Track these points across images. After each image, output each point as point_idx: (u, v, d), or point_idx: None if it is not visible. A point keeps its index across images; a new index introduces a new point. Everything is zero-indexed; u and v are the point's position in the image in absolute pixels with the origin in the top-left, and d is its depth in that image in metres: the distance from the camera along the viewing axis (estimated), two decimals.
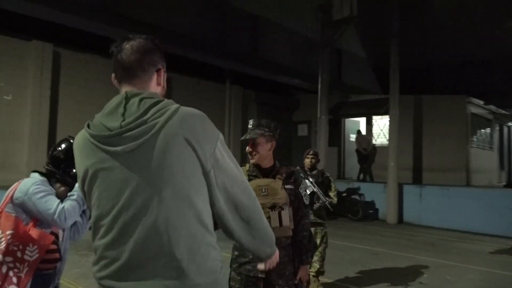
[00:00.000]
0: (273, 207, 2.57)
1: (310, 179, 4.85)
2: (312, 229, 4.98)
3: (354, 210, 11.54)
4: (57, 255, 2.37)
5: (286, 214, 2.60)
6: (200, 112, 1.46)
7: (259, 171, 2.70)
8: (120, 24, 10.67)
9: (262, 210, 1.63)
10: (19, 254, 2.20)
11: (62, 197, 2.32)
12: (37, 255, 2.23)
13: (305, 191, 2.80)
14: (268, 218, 2.52)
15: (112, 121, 1.40)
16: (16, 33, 9.49)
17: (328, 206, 4.80)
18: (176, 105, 1.43)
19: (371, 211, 12.01)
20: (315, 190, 4.75)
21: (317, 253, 4.92)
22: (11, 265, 2.19)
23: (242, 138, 2.67)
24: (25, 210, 2.26)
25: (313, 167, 5.17)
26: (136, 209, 1.37)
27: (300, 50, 13.86)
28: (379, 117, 15.60)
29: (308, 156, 5.19)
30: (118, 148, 1.37)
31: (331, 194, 5.15)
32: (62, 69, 10.42)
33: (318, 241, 4.95)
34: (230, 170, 1.50)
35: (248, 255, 2.56)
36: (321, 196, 4.76)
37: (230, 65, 13.83)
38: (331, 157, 14.33)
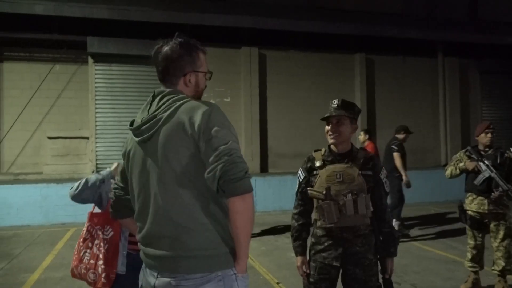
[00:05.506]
0: (348, 194, 2.45)
1: (486, 162, 4.13)
2: (493, 222, 4.27)
3: None
4: None
5: (363, 202, 2.46)
6: (207, 105, 1.60)
7: (334, 157, 2.56)
8: (314, 17, 11.00)
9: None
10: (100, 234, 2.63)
11: None
12: (112, 233, 2.61)
13: (386, 177, 2.62)
14: (343, 205, 2.45)
15: (140, 117, 1.72)
16: (229, 43, 10.93)
17: (510, 194, 4.01)
18: (183, 100, 1.63)
19: None
20: (492, 175, 4.05)
21: (501, 248, 4.18)
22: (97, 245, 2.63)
23: (325, 116, 2.54)
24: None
25: (491, 145, 4.31)
26: (148, 192, 1.65)
27: None
28: None
29: (487, 130, 4.26)
30: (137, 139, 1.69)
31: None
32: (268, 68, 11.39)
33: (501, 234, 4.17)
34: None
35: (324, 242, 2.54)
36: (500, 182, 4.01)
37: (441, 36, 12.38)
38: None
